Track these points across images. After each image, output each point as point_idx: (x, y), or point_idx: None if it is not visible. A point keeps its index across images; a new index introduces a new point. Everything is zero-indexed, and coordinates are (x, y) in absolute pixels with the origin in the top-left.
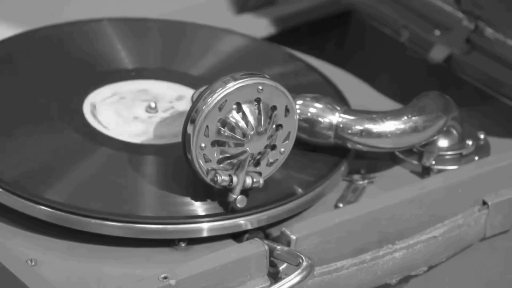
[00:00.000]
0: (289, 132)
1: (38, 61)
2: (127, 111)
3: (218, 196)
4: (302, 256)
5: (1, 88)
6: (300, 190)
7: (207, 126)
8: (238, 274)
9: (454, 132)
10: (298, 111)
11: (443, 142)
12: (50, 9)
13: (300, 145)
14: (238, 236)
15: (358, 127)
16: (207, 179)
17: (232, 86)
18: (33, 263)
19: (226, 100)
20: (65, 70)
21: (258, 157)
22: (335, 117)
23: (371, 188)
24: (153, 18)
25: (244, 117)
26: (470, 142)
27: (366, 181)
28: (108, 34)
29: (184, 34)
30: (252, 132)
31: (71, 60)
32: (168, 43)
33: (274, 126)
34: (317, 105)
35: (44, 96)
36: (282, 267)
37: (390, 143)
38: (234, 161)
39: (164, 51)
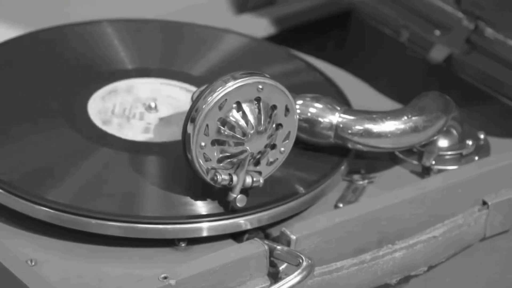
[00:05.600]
0: (289, 132)
1: (39, 62)
2: (127, 111)
3: (218, 195)
4: (302, 256)
5: (2, 89)
6: (300, 189)
7: (207, 125)
8: (238, 274)
9: (454, 132)
10: (298, 111)
11: (443, 142)
12: (50, 9)
13: (300, 144)
14: (238, 236)
15: (358, 127)
16: (207, 178)
17: (232, 85)
18: (33, 263)
19: (226, 99)
20: (66, 71)
21: (258, 156)
22: (335, 117)
23: (371, 188)
24: (153, 19)
25: (244, 116)
26: (470, 142)
27: (366, 181)
28: (108, 35)
29: (184, 34)
30: (252, 131)
31: (72, 61)
32: (168, 44)
33: (274, 125)
34: (317, 105)
35: (45, 97)
36: (282, 267)
37: (390, 143)
38: (234, 160)
39: (164, 52)
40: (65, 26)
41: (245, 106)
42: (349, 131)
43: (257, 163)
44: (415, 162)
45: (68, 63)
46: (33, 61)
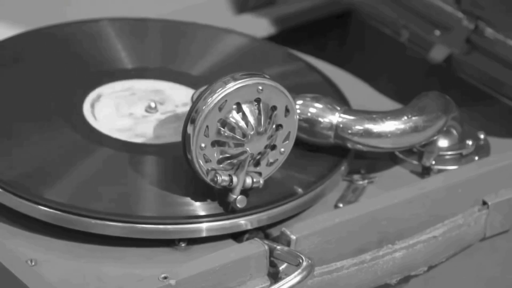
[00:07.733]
0: (289, 132)
1: (38, 61)
2: (127, 111)
3: (218, 196)
4: (302, 256)
5: (1, 88)
6: (300, 190)
7: (207, 126)
8: (238, 274)
9: (454, 132)
10: (298, 111)
11: (443, 142)
12: (51, 9)
13: (300, 145)
14: (238, 236)
15: (358, 127)
16: (207, 179)
17: (232, 86)
18: (33, 263)
19: (226, 100)
20: (65, 70)
21: (258, 157)
22: (335, 117)
23: (371, 188)
24: (153, 18)
25: (244, 117)
26: (470, 142)
27: (366, 181)
28: (108, 35)
29: (184, 34)
30: (252, 132)
31: (71, 60)
32: (168, 43)
33: (274, 126)
34: (317, 105)
35: (44, 96)
36: (282, 267)
37: (390, 143)
38: (234, 161)
39: (164, 51)
40: (64, 24)
41: (245, 107)
42: (349, 131)
43: (257, 164)
44: (415, 162)
45: (68, 62)
46: (32, 60)
